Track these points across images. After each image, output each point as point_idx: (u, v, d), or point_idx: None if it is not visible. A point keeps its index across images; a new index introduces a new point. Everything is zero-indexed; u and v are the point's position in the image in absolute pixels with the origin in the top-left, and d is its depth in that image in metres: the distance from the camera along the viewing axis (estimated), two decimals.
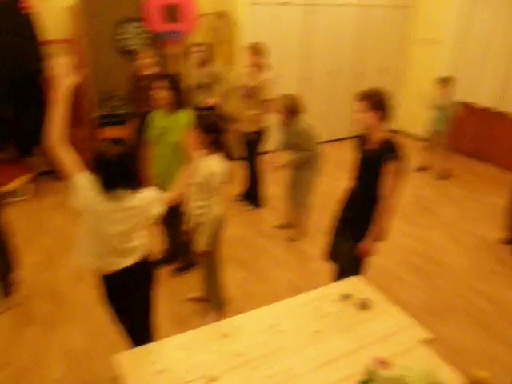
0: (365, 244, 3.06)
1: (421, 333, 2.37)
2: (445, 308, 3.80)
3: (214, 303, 3.54)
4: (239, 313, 2.51)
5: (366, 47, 7.37)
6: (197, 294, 3.75)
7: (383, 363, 2.10)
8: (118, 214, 2.31)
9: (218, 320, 2.53)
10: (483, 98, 6.79)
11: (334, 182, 6.02)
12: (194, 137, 3.03)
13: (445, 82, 5.93)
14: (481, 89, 6.80)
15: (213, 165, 3.02)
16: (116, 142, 2.31)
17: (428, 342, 2.34)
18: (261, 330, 2.34)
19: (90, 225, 2.35)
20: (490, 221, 5.24)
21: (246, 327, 2.37)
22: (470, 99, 6.94)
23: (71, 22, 5.67)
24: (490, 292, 4.03)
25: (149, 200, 2.40)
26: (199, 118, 3.10)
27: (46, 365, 3.15)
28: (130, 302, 2.54)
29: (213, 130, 3.01)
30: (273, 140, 5.22)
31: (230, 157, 3.13)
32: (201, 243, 3.18)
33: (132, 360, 2.16)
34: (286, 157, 4.31)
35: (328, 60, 7.04)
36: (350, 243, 3.17)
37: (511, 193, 4.60)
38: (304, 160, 4.27)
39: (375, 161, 2.91)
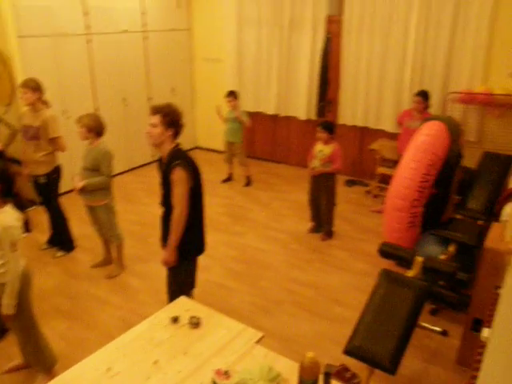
0: (164, 254, 3.08)
1: (253, 334, 2.45)
2: (273, 304, 4.02)
3: (39, 366, 3.19)
4: (66, 370, 2.30)
5: (155, 70, 7.46)
6: (17, 361, 3.33)
7: (224, 374, 2.12)
8: None
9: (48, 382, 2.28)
10: (268, 107, 7.41)
11: (145, 207, 5.99)
12: None
13: (231, 95, 6.33)
14: (264, 98, 7.42)
15: (5, 218, 2.72)
16: None
17: (261, 341, 2.44)
18: (96, 379, 2.17)
19: None
20: (297, 215, 5.73)
21: (80, 379, 2.18)
22: (257, 109, 7.52)
23: None
24: (309, 279, 4.40)
25: None
26: None
27: None
28: None
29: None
30: (68, 178, 4.96)
31: (25, 205, 2.85)
32: (7, 305, 2.83)
33: None
34: (85, 179, 4.10)
35: (118, 88, 6.93)
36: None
37: (309, 186, 5.09)
38: (102, 186, 4.12)
39: (166, 173, 2.95)
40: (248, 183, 6.74)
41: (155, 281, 4.26)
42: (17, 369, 3.31)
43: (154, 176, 6.88)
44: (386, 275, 3.22)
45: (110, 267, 4.54)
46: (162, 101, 7.25)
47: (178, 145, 3.02)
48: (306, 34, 6.71)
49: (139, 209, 5.96)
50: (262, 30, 7.12)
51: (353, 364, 2.99)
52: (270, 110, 7.40)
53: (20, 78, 5.20)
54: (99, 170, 4.06)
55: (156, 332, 2.48)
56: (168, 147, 2.97)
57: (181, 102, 7.57)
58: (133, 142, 7.33)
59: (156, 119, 2.90)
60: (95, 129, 4.03)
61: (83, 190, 4.10)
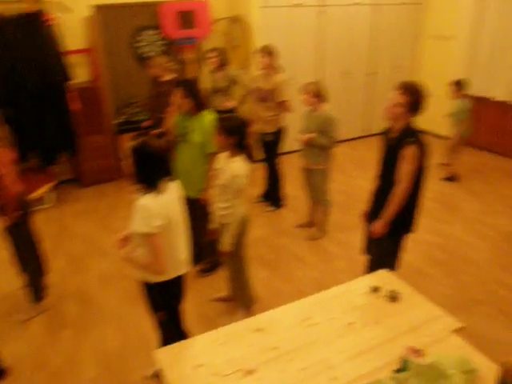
0: (376, 225, 3.08)
1: (452, 323, 2.39)
2: (470, 301, 3.79)
3: (241, 302, 3.58)
4: (266, 311, 2.55)
5: (379, 46, 7.39)
6: (223, 293, 3.79)
7: (416, 352, 2.12)
8: (178, 206, 2.49)
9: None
10: (499, 92, 6.76)
11: (352, 180, 6.07)
12: (218, 139, 3.09)
13: (458, 84, 5.89)
14: (496, 82, 6.77)
15: (236, 167, 3.05)
16: (158, 136, 2.43)
17: (459, 332, 2.36)
18: (293, 324, 2.38)
19: (168, 234, 2.42)
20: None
21: (279, 322, 2.41)
22: (484, 94, 6.92)
23: (89, 32, 5.79)
24: None
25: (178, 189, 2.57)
26: (222, 120, 3.14)
27: (81, 365, 3.23)
28: (171, 301, 2.65)
29: (236, 133, 3.05)
30: (290, 140, 5.30)
31: (250, 158, 3.17)
32: (225, 243, 3.23)
33: (171, 355, 2.21)
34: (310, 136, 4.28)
35: (341, 60, 7.08)
36: (381, 238, 3.15)
37: None
38: (325, 146, 4.27)
39: (395, 147, 2.92)
40: (461, 173, 6.31)
41: (353, 251, 4.35)
42: (223, 300, 3.78)
43: (364, 150, 6.95)
44: None
45: (312, 230, 4.78)
46: (383, 76, 7.26)
47: (411, 122, 2.97)
48: None
49: (347, 180, 6.08)
50: (508, 2, 6.41)
51: None
52: (500, 95, 6.74)
53: (258, 44, 5.65)
54: (324, 133, 4.23)
55: (355, 296, 2.58)
56: (403, 122, 2.94)
57: (401, 80, 7.36)
58: (348, 114, 7.44)
59: (403, 100, 2.85)
60: (319, 95, 4.22)
61: (307, 144, 4.30)
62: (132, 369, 3.16)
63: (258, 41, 6.04)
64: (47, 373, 3.18)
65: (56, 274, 4.16)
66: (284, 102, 4.79)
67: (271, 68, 4.77)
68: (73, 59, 5.63)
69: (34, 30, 5.03)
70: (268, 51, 4.73)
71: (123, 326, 3.57)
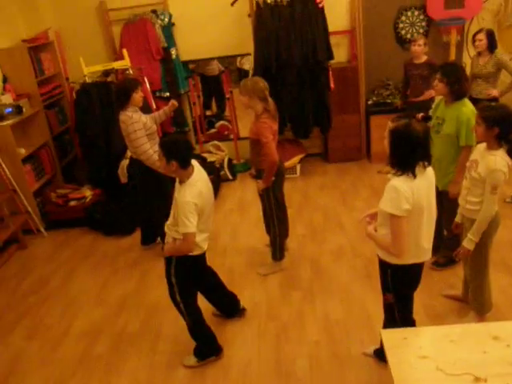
0: None
1: None
2: None
3: (474, 306, 3.33)
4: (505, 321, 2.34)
5: None
6: (455, 291, 3.60)
7: None
8: (430, 194, 2.45)
9: None
10: None
11: None
12: (478, 129, 2.89)
13: None
14: None
15: (494, 161, 2.81)
16: (421, 120, 2.42)
17: None
18: None
19: (414, 220, 2.42)
20: None
21: None
22: None
23: (352, 14, 5.95)
24: None
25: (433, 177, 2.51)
26: (483, 109, 2.92)
27: (305, 326, 3.48)
28: (403, 286, 2.67)
29: (499, 124, 2.79)
30: None
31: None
32: (469, 241, 3.02)
33: (396, 339, 2.22)
34: None
35: None
36: None
37: None
38: None
39: None
40: None
41: None
42: (454, 298, 3.58)
43: None
44: None
45: None
46: None
47: None
48: None
49: None
50: None
51: None
52: None
53: None
54: None
55: None
56: None
57: None
58: None
59: None
60: None
61: None
62: (352, 342, 3.26)
63: None
64: (276, 324, 3.53)
65: (295, 240, 4.52)
66: None
67: None
68: (334, 40, 5.86)
69: (307, 11, 5.38)
70: None
71: (349, 300, 3.70)
